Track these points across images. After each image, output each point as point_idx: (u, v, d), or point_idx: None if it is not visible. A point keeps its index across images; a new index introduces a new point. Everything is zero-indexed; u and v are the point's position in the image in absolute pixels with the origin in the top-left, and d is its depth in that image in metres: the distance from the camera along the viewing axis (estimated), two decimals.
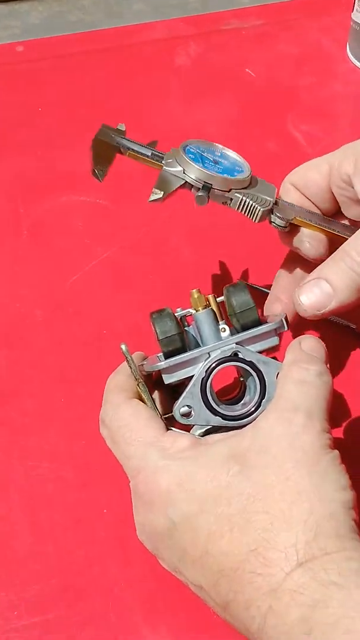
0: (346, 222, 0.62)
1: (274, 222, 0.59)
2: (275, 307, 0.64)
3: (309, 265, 0.61)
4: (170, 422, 0.54)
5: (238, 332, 0.56)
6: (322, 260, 0.60)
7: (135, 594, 0.59)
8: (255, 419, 0.53)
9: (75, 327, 0.74)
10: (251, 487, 0.48)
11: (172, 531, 0.49)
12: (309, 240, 0.59)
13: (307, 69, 0.97)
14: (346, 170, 0.57)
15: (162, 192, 0.57)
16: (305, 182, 0.61)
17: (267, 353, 0.56)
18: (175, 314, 0.57)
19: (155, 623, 0.58)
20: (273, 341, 0.56)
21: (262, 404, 0.55)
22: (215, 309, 0.58)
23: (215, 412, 0.55)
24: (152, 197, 0.57)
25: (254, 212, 0.58)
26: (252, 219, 0.58)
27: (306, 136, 0.89)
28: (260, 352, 0.55)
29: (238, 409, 0.56)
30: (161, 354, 0.56)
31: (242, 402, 0.57)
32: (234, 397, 0.59)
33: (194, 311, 0.58)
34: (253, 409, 0.55)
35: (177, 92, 0.95)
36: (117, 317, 0.74)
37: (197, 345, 0.58)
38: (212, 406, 0.55)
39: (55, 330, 0.74)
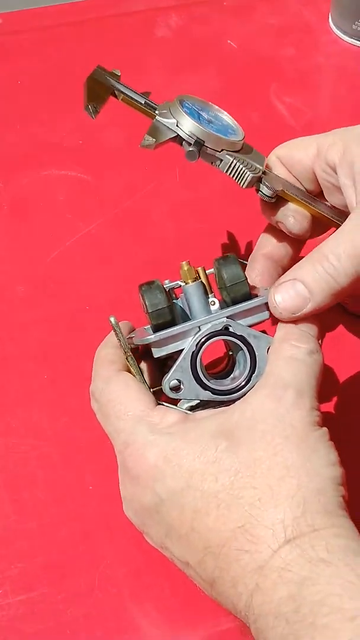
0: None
1: (261, 191, 0.57)
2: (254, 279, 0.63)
3: (288, 239, 0.60)
4: (157, 396, 0.54)
5: (228, 306, 0.55)
6: (304, 237, 0.60)
7: (121, 571, 0.58)
8: (245, 394, 0.53)
9: (57, 302, 0.73)
10: (239, 463, 0.47)
11: (159, 507, 0.49)
12: (293, 215, 0.58)
13: (289, 40, 0.96)
14: (332, 158, 0.56)
15: (154, 140, 0.56)
16: (291, 160, 0.60)
17: (257, 327, 0.55)
18: (164, 286, 0.56)
19: (141, 599, 0.57)
20: (263, 315, 0.55)
21: (252, 378, 0.54)
22: (205, 282, 0.57)
23: (205, 387, 0.54)
24: (144, 142, 0.55)
25: (243, 177, 0.57)
26: (240, 183, 0.57)
27: (289, 108, 0.88)
28: (250, 326, 0.55)
29: (227, 384, 0.55)
30: (149, 326, 0.55)
31: (232, 376, 0.57)
32: (223, 371, 0.58)
33: (183, 283, 0.56)
34: (243, 383, 0.54)
35: (158, 65, 0.94)
36: (99, 292, 0.73)
37: (186, 319, 0.57)
38: (202, 380, 0.54)
39: (37, 307, 0.73)
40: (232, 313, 0.54)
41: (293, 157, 0.59)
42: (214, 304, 0.56)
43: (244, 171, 0.56)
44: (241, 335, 0.54)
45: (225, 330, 0.54)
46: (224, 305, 0.56)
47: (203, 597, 0.50)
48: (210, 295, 0.56)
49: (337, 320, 0.72)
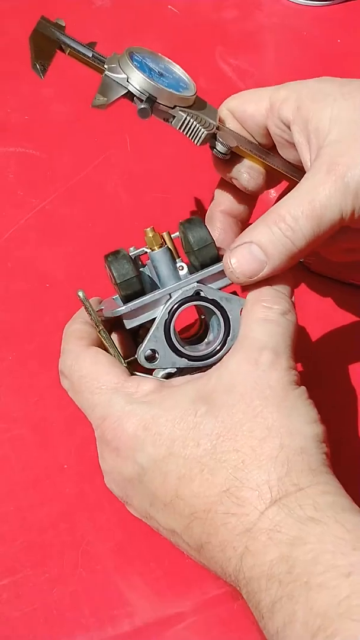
0: None
1: (215, 149, 0.56)
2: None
3: (243, 194, 0.60)
4: (132, 366, 0.53)
5: (197, 270, 0.54)
6: (258, 193, 0.59)
7: (103, 547, 0.58)
8: (220, 358, 0.52)
9: (16, 282, 0.72)
10: (219, 426, 0.47)
11: (142, 476, 0.48)
12: (248, 172, 0.57)
13: (231, 2, 0.95)
14: (286, 115, 0.55)
15: (105, 99, 0.54)
16: (243, 114, 0.58)
17: (228, 288, 0.55)
18: (130, 254, 0.55)
19: (127, 573, 0.57)
20: None
21: (227, 342, 0.54)
22: (171, 247, 0.56)
23: (180, 354, 0.53)
24: (95, 102, 0.54)
25: (197, 134, 0.55)
26: (194, 141, 0.55)
27: (236, 70, 0.87)
28: (221, 289, 0.54)
29: (202, 349, 0.54)
30: (117, 296, 0.55)
31: (206, 340, 0.56)
32: (196, 335, 0.58)
33: (148, 250, 0.55)
34: (218, 347, 0.54)
35: (98, 35, 0.92)
36: (58, 268, 0.72)
37: (154, 286, 0.56)
38: (177, 348, 0.53)
39: None
40: (202, 277, 0.53)
41: (245, 111, 0.58)
42: (182, 268, 0.55)
43: (197, 128, 0.55)
44: (213, 299, 0.53)
45: (196, 296, 0.53)
46: (192, 269, 0.55)
47: (189, 565, 0.50)
48: (177, 260, 0.55)
49: (298, 279, 0.71)
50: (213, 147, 0.56)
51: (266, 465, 0.45)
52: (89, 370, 0.51)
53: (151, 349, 0.53)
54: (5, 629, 0.55)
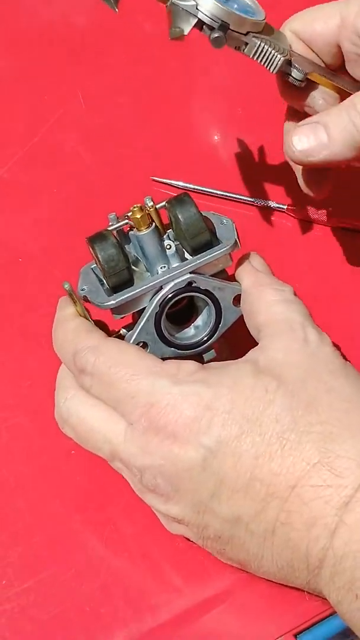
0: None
1: (291, 76, 0.53)
2: None
3: None
4: None
5: (186, 250, 0.52)
6: None
7: (127, 532, 0.54)
8: (210, 346, 0.52)
9: None
10: (296, 401, 0.45)
11: (207, 460, 0.45)
12: (323, 97, 0.55)
13: None
14: None
15: (181, 29, 0.50)
16: (310, 33, 0.55)
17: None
18: (110, 227, 0.51)
19: (157, 558, 0.53)
20: (226, 262, 0.52)
21: (218, 329, 0.52)
22: (158, 224, 0.52)
23: (170, 344, 0.52)
24: (173, 34, 0.50)
25: (272, 61, 0.52)
26: (269, 68, 0.52)
27: None
28: (212, 275, 0.52)
29: (191, 334, 0.53)
30: (101, 278, 0.52)
31: (194, 324, 0.54)
32: (181, 310, 0.54)
33: (135, 231, 0.52)
34: (208, 336, 0.52)
35: None
36: (29, 241, 0.68)
37: (138, 264, 0.53)
38: (167, 339, 0.51)
39: None
40: (195, 267, 0.51)
41: (314, 31, 0.55)
42: (170, 247, 0.52)
43: (272, 55, 0.52)
44: (206, 290, 0.51)
45: (189, 286, 0.51)
46: (180, 248, 0.52)
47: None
48: (164, 238, 0.52)
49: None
50: (288, 73, 0.53)
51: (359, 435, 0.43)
52: (118, 360, 0.47)
53: (142, 341, 0.51)
54: (36, 633, 0.51)
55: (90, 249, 0.51)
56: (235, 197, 0.68)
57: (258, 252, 0.55)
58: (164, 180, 0.69)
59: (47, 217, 0.69)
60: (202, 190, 0.69)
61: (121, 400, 0.47)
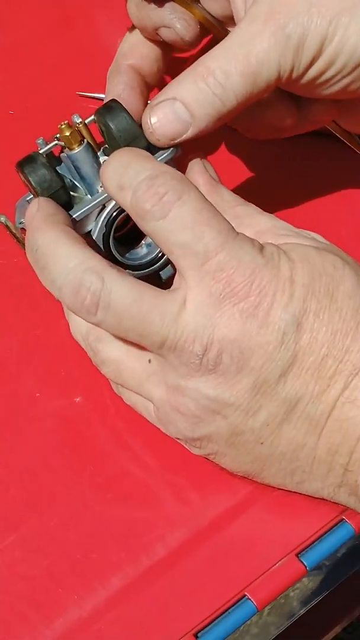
0: None
1: None
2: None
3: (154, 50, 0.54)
4: None
5: None
6: (192, 47, 0.52)
7: (109, 473, 0.51)
8: (166, 263, 0.50)
9: None
10: None
11: (287, 336, 0.43)
12: (184, 18, 0.50)
13: None
14: None
15: None
16: None
17: None
18: (41, 151, 0.48)
19: (143, 493, 0.51)
20: None
21: None
22: (90, 141, 0.49)
23: (123, 267, 0.49)
24: None
25: None
26: None
27: None
28: None
29: (144, 253, 0.50)
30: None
31: (145, 242, 0.51)
32: (129, 234, 0.51)
33: (67, 151, 0.49)
34: (161, 251, 0.49)
35: None
36: None
37: (74, 188, 0.49)
38: (119, 262, 0.49)
39: None
40: None
41: None
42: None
43: None
44: None
45: None
46: None
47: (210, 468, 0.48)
48: (99, 154, 0.49)
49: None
50: None
51: None
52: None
53: None
54: (28, 590, 0.48)
55: (21, 176, 0.48)
56: None
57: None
58: (92, 95, 0.65)
59: None
60: None
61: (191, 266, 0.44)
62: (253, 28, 0.45)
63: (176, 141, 0.47)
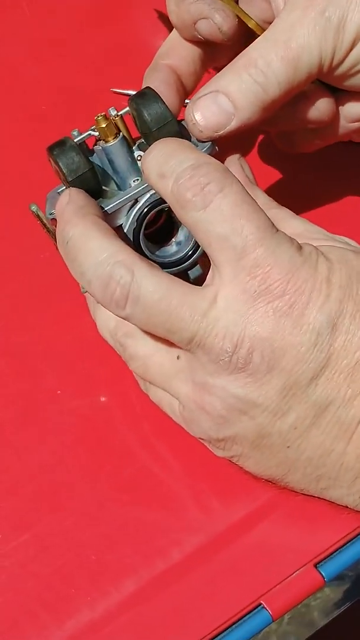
0: None
1: None
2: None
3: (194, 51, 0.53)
4: None
5: None
6: (229, 41, 0.51)
7: (124, 475, 0.50)
8: (195, 261, 0.48)
9: None
10: None
11: (322, 337, 0.42)
12: (223, 10, 0.49)
13: None
14: None
15: None
16: None
17: None
18: (75, 141, 0.48)
19: (159, 496, 0.50)
20: None
21: None
22: (126, 134, 0.48)
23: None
24: None
25: None
26: None
27: None
28: None
29: (174, 251, 0.49)
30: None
31: (175, 240, 0.50)
32: (158, 225, 0.51)
33: (102, 143, 0.48)
34: (192, 250, 0.49)
35: None
36: None
37: (107, 180, 0.49)
38: (148, 258, 0.47)
39: None
40: None
41: None
42: (141, 158, 0.48)
43: None
44: None
45: None
46: None
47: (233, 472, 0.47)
48: (134, 149, 0.48)
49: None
50: None
51: None
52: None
53: None
54: (40, 589, 0.47)
55: (51, 161, 0.47)
56: None
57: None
58: (126, 92, 0.64)
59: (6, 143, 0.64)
60: None
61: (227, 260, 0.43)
62: (293, 16, 0.46)
63: (219, 133, 0.47)
